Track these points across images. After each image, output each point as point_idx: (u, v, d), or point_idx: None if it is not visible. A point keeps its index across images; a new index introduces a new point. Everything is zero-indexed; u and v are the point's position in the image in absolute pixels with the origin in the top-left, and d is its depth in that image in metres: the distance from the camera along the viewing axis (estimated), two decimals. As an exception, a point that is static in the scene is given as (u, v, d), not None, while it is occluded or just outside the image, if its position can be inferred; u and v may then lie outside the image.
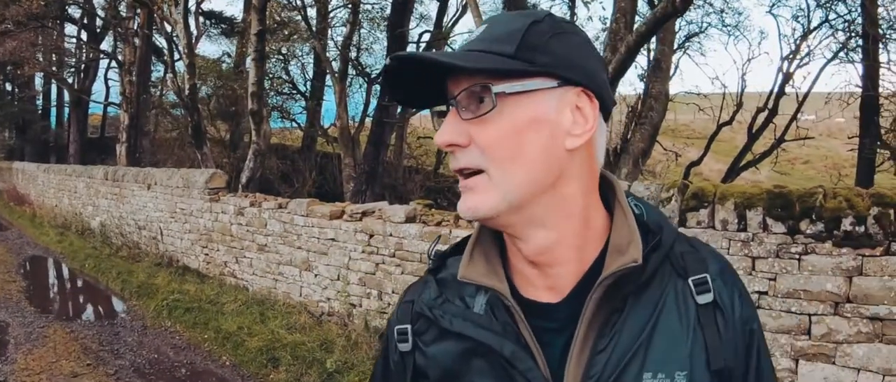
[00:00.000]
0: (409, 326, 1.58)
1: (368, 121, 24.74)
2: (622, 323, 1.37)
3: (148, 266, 15.24)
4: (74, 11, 38.70)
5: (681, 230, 6.12)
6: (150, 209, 17.18)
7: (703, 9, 20.96)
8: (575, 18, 21.28)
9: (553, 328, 1.41)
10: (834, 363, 5.81)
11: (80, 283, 15.48)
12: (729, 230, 6.17)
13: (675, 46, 19.14)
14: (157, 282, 13.29)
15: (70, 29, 41.06)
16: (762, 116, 20.23)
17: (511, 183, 1.31)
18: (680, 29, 19.45)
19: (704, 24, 21.74)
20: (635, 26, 11.24)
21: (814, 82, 21.40)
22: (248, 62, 17.66)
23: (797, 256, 5.91)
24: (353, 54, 25.99)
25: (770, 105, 20.05)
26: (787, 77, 19.85)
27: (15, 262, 17.39)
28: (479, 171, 1.32)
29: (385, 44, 25.39)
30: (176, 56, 24.97)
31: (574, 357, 1.37)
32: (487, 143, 1.30)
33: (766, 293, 6.05)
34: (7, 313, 11.95)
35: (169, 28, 23.36)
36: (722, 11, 21.48)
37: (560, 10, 25.39)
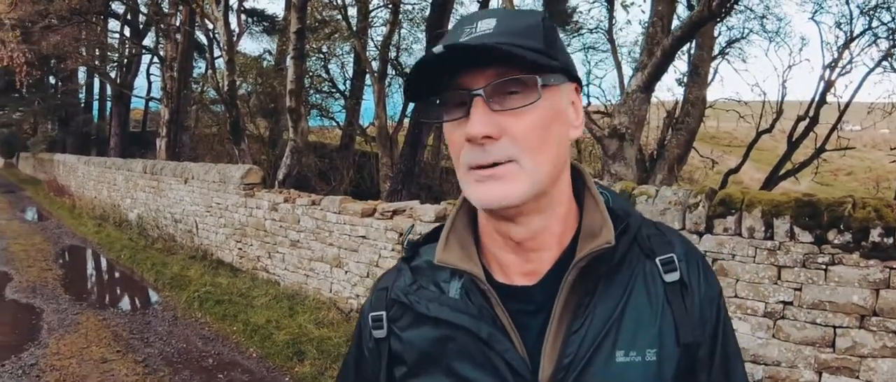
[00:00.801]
0: (383, 313, 1.62)
1: (407, 121, 24.74)
2: (595, 305, 1.43)
3: (182, 258, 15.40)
4: (118, 7, 39.10)
5: (707, 237, 6.11)
6: (187, 203, 17.35)
7: (744, 14, 20.54)
8: (614, 22, 21.12)
9: (528, 310, 1.46)
10: (858, 377, 5.70)
11: (115, 273, 15.66)
12: (755, 238, 6.07)
13: (716, 52, 18.97)
14: (190, 274, 13.44)
15: (113, 24, 41.51)
16: (803, 125, 19.94)
17: (540, 172, 1.37)
18: (720, 34, 19.15)
19: (745, 30, 21.30)
20: (672, 30, 11.18)
21: (856, 91, 21.14)
22: (288, 60, 17.71)
23: (824, 267, 5.79)
24: (392, 54, 26.02)
25: (811, 113, 19.73)
26: (829, 85, 19.53)
27: (53, 251, 17.63)
28: (507, 161, 1.35)
29: (424, 44, 25.40)
30: (216, 53, 25.14)
31: (550, 337, 1.42)
32: (522, 134, 1.34)
33: (791, 303, 5.94)
34: (42, 300, 12.15)
35: (210, 25, 23.47)
36: (763, 17, 20.99)
37: (599, 14, 25.35)
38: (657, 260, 1.50)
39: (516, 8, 13.78)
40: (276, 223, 13.12)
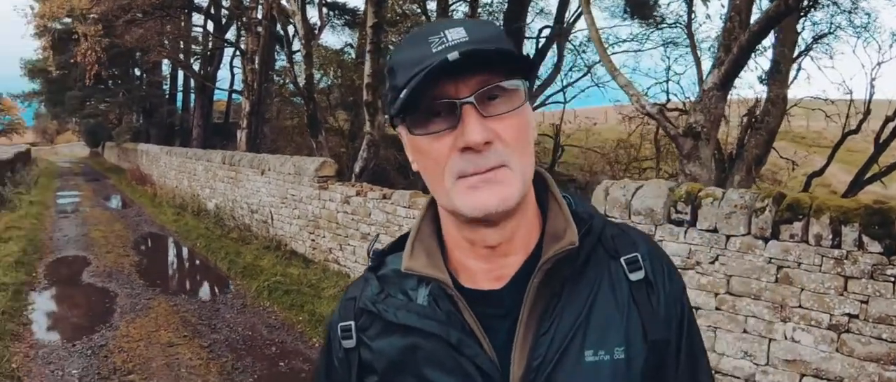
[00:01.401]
0: (352, 323, 1.62)
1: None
2: (562, 306, 1.45)
3: (256, 248, 15.59)
4: (201, 1, 39.72)
5: (773, 242, 5.94)
6: (263, 194, 17.53)
7: (830, 9, 19.79)
8: (693, 17, 20.77)
9: (496, 314, 1.47)
10: (922, 397, 5.47)
11: (189, 261, 15.98)
12: (822, 245, 5.76)
13: (802, 48, 18.47)
14: (262, 264, 13.60)
15: (197, 18, 42.13)
16: (892, 126, 19.27)
17: (526, 173, 1.40)
18: (804, 29, 18.55)
19: (832, 26, 20.55)
20: (749, 25, 10.95)
21: (950, 90, 20.37)
22: (366, 54, 17.78)
23: (893, 279, 5.47)
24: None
25: (900, 113, 19.09)
26: (921, 83, 18.82)
27: (131, 238, 18.06)
28: (500, 166, 1.35)
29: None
30: (296, 46, 25.34)
31: (519, 340, 1.43)
32: (512, 138, 1.36)
33: (856, 316, 5.63)
34: (117, 284, 12.50)
35: (289, 18, 23.68)
36: (850, 12, 20.07)
37: (679, 8, 24.94)
38: (622, 259, 1.51)
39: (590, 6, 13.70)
40: (347, 215, 13.19)
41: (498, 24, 27.17)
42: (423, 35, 1.39)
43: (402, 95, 1.35)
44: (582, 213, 1.53)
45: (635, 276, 1.50)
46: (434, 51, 1.34)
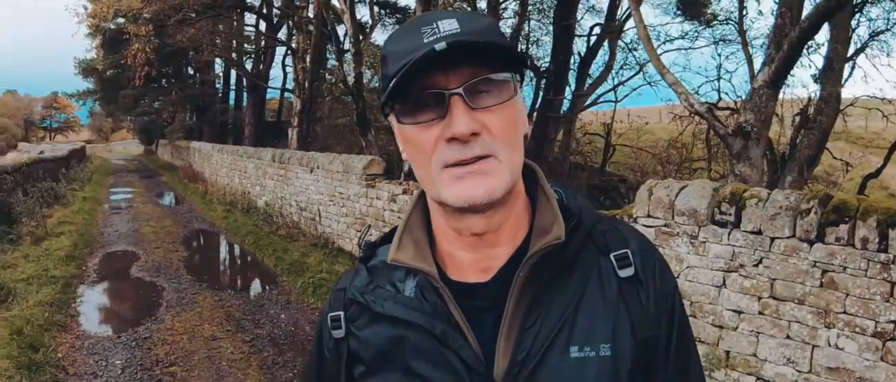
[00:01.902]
0: (341, 313, 1.63)
1: (535, 115, 24.60)
2: (549, 300, 1.45)
3: (303, 245, 15.67)
4: (253, 1, 40.05)
5: (818, 246, 5.78)
6: (312, 191, 17.60)
7: (886, 5, 19.11)
8: (744, 13, 20.42)
9: (482, 307, 1.47)
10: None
11: (237, 257, 16.13)
12: (869, 249, 5.55)
13: (857, 46, 18.06)
14: (308, 261, 13.65)
15: (249, 18, 42.50)
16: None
17: (514, 165, 1.40)
18: (859, 26, 18.07)
19: (889, 22, 19.93)
20: (800, 21, 10.75)
21: None
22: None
23: None
24: (521, 46, 25.89)
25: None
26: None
27: (181, 234, 18.28)
28: (487, 156, 1.36)
29: (552, 36, 25.16)
30: (346, 45, 25.42)
31: (504, 333, 1.44)
32: (500, 130, 1.37)
33: None
34: (165, 279, 12.68)
35: (338, 17, 23.75)
36: None
37: (730, 4, 24.59)
38: (612, 255, 1.51)
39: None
40: (394, 213, 13.19)
41: (549, 20, 27.20)
42: (417, 25, 1.40)
43: (390, 84, 1.35)
44: (572, 207, 1.54)
45: (625, 273, 1.49)
46: (425, 41, 1.35)
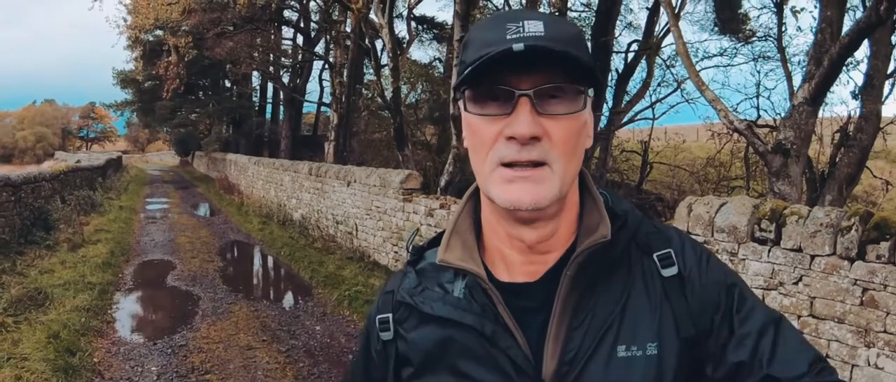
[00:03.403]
0: (390, 315, 1.64)
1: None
2: (596, 301, 1.45)
3: (339, 258, 15.66)
4: (291, 15, 40.29)
5: (858, 263, 5.67)
6: (348, 205, 17.61)
7: None
8: (784, 30, 20.27)
9: (530, 307, 1.48)
10: None
11: (272, 269, 16.11)
12: None
13: (898, 62, 17.86)
14: (344, 274, 13.67)
15: (287, 32, 42.85)
16: None
17: (567, 176, 1.40)
18: None
19: None
20: (839, 37, 10.65)
21: None
22: (453, 68, 17.85)
23: None
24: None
25: None
26: None
27: (217, 245, 18.37)
28: (540, 164, 1.36)
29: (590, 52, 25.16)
30: (383, 60, 25.51)
31: (552, 333, 1.44)
32: (561, 139, 1.37)
33: None
34: (201, 288, 12.73)
35: (377, 32, 23.84)
36: None
37: (769, 21, 24.40)
38: (655, 255, 1.52)
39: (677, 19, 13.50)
40: (432, 228, 13.15)
41: (587, 36, 27.11)
42: (503, 19, 1.40)
43: (465, 72, 1.36)
44: (618, 210, 1.55)
45: (668, 272, 1.49)
46: (508, 37, 1.34)
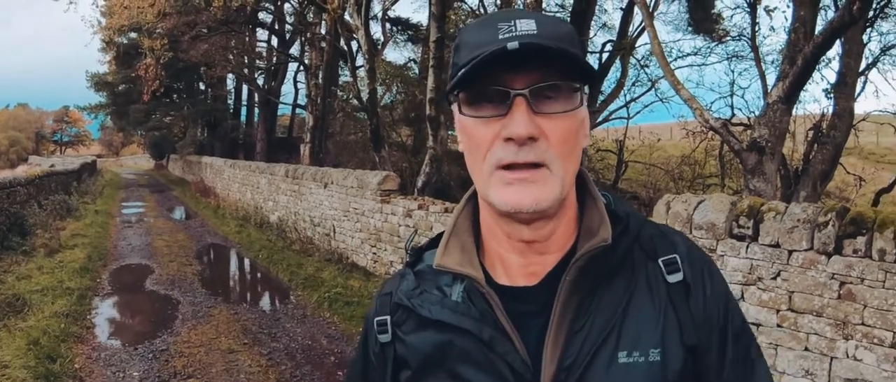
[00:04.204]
0: (388, 317, 1.63)
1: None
2: (596, 305, 1.44)
3: (317, 260, 15.69)
4: (265, 17, 40.22)
5: (835, 258, 5.77)
6: (326, 207, 17.60)
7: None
8: (757, 29, 20.42)
9: (529, 311, 1.47)
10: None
11: (251, 272, 16.08)
12: (886, 260, 5.55)
13: (869, 60, 17.98)
14: (323, 276, 13.69)
15: (262, 34, 42.70)
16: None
17: (567, 177, 1.39)
18: (870, 40, 17.94)
19: None
20: (813, 36, 10.76)
21: None
22: (429, 69, 17.89)
23: None
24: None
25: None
26: None
27: (195, 248, 18.29)
28: (539, 165, 1.35)
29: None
30: (359, 61, 25.50)
31: (551, 338, 1.42)
32: (558, 139, 1.36)
33: None
34: (180, 292, 12.68)
35: (352, 33, 23.84)
36: None
37: (742, 20, 24.58)
38: (660, 260, 1.50)
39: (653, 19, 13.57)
40: (409, 229, 13.15)
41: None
42: (495, 19, 1.39)
43: (458, 74, 1.35)
44: (619, 212, 1.53)
45: (673, 278, 1.48)
46: (500, 37, 1.34)
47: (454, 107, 1.45)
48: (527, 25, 1.35)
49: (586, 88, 1.40)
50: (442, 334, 1.50)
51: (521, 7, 21.03)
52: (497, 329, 1.44)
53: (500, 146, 1.35)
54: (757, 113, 15.91)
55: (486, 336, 1.44)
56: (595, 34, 27.60)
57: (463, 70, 1.33)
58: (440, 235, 1.61)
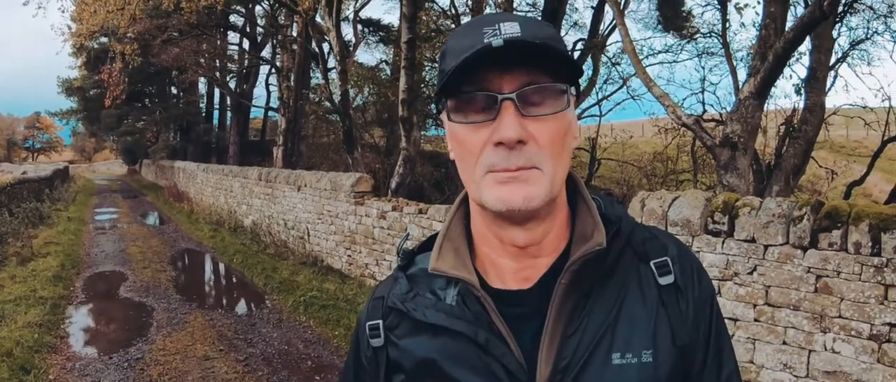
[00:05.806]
0: (380, 321, 1.63)
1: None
2: (590, 308, 1.45)
3: (292, 264, 15.65)
4: (237, 20, 40.05)
5: (811, 252, 5.82)
6: (299, 210, 17.56)
7: (866, 14, 18.94)
8: (728, 25, 20.53)
9: (524, 315, 1.48)
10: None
11: (226, 277, 16.04)
12: (862, 253, 5.64)
13: (838, 55, 18.14)
14: (298, 280, 13.69)
15: (233, 37, 42.58)
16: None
17: (557, 178, 1.40)
18: (840, 36, 18.07)
19: (869, 31, 19.94)
20: (784, 32, 10.82)
21: None
22: (401, 70, 17.88)
23: None
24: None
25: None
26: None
27: (169, 254, 18.20)
28: (531, 167, 1.36)
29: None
30: (331, 63, 25.45)
31: (546, 341, 1.43)
32: (548, 141, 1.37)
33: None
34: (155, 299, 12.61)
35: (324, 35, 23.79)
36: (887, 16, 19.22)
37: (713, 17, 24.69)
38: (651, 263, 1.52)
39: (624, 17, 13.63)
40: (384, 231, 13.17)
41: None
42: (478, 24, 1.40)
43: (444, 79, 1.36)
44: (611, 216, 1.54)
45: (665, 280, 1.50)
46: (485, 40, 1.33)
47: (443, 116, 1.46)
48: (510, 28, 1.35)
49: (573, 90, 1.41)
50: (436, 337, 1.51)
51: (493, 7, 21.11)
52: (492, 332, 1.44)
53: (491, 151, 1.36)
54: (728, 109, 16.01)
55: (482, 338, 1.45)
56: (566, 33, 27.75)
57: (449, 75, 1.35)
58: (431, 239, 1.63)
